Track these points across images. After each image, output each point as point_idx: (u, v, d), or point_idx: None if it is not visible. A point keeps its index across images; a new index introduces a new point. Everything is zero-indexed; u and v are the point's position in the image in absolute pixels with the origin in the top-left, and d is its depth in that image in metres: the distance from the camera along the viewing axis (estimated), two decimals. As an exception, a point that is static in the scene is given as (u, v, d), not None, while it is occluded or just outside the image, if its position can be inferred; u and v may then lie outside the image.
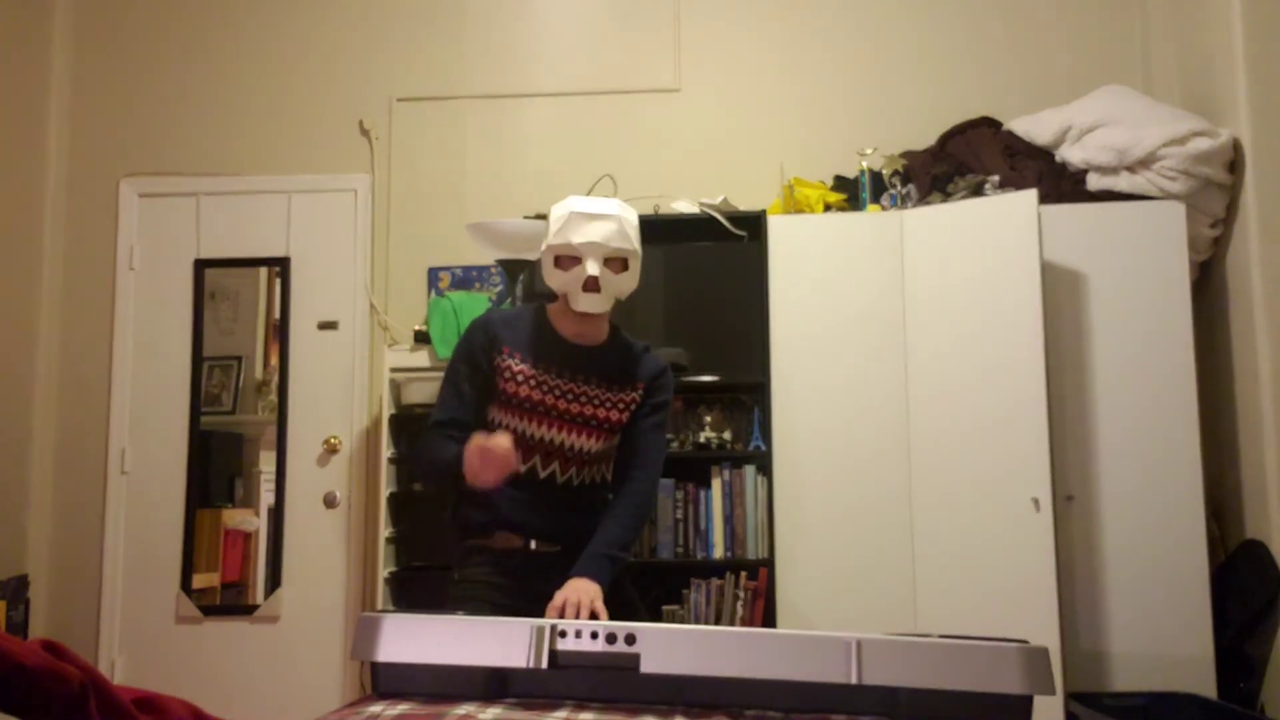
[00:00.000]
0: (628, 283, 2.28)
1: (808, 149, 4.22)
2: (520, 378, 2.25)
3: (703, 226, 3.80)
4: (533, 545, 2.25)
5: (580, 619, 1.97)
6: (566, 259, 2.24)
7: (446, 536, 2.34)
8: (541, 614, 2.05)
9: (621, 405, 2.30)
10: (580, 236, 2.21)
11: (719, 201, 3.84)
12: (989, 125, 3.99)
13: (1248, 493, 3.43)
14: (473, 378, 2.30)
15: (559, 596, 2.02)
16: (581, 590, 2.03)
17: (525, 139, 4.37)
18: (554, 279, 2.26)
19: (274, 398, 4.27)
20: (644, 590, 2.88)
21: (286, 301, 4.31)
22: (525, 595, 2.16)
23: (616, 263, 2.25)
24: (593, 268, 2.21)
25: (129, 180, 4.45)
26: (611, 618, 2.17)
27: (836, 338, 3.64)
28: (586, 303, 2.22)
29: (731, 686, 1.68)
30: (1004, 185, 3.66)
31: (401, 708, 1.64)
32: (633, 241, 2.26)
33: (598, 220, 2.22)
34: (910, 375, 3.59)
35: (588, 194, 3.96)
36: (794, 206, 3.86)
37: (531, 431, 2.25)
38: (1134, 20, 4.19)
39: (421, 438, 2.34)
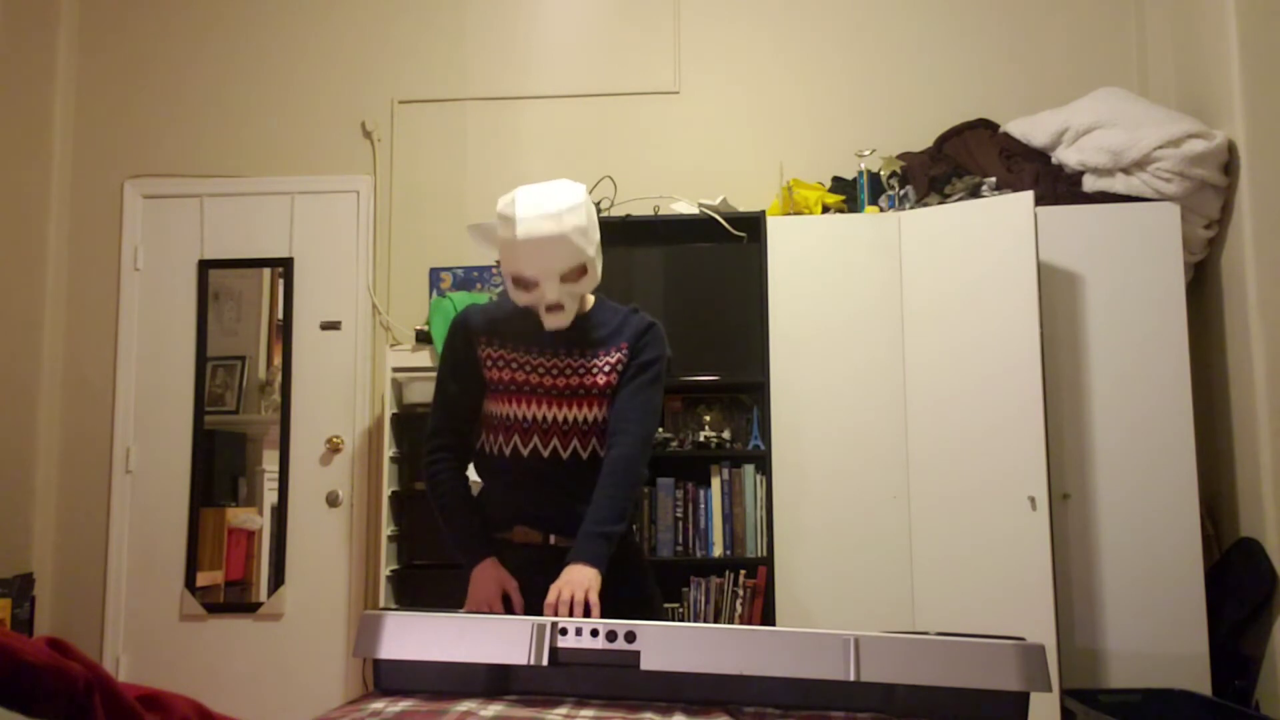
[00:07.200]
0: (589, 284, 2.26)
1: (806, 151, 4.24)
2: (502, 363, 2.27)
3: (702, 227, 3.82)
4: (551, 540, 2.26)
5: (575, 612, 1.98)
6: (524, 279, 2.22)
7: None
8: None
9: (608, 368, 2.27)
10: (531, 268, 2.17)
11: (718, 202, 3.85)
12: (986, 127, 4.00)
13: (1242, 491, 3.45)
14: (459, 379, 2.32)
15: (553, 591, 2.03)
16: (575, 583, 2.02)
17: (526, 140, 4.39)
18: (517, 296, 2.25)
19: (277, 397, 4.29)
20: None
21: (289, 302, 4.34)
22: (544, 589, 2.19)
23: (574, 272, 2.21)
24: (551, 293, 2.18)
25: (133, 182, 4.47)
26: (628, 612, 2.20)
27: (835, 338, 3.66)
28: (553, 321, 2.22)
29: (731, 683, 1.69)
30: (1001, 187, 3.68)
31: (403, 704, 1.65)
32: (586, 246, 2.20)
33: (547, 244, 2.15)
34: (908, 375, 3.61)
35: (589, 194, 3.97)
36: (793, 208, 3.88)
37: (524, 413, 2.26)
38: (1130, 23, 4.21)
39: (423, 462, 2.35)
